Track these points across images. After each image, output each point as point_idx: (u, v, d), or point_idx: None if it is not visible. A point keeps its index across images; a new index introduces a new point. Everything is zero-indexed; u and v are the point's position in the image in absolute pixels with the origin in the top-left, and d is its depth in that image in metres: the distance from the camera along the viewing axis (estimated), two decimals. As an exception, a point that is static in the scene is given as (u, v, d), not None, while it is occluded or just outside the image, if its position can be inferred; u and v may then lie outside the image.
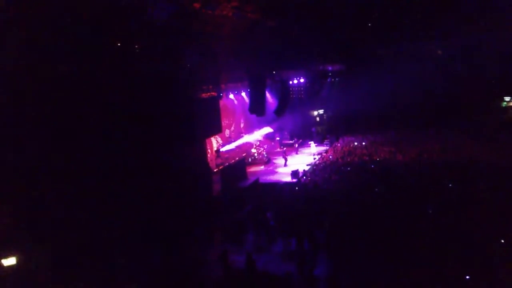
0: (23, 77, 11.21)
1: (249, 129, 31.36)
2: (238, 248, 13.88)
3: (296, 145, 30.50)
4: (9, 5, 11.00)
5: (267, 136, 32.46)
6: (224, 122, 26.54)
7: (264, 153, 28.32)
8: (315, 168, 24.26)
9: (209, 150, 23.53)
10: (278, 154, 29.93)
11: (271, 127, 32.50)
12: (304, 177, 22.50)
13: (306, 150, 30.68)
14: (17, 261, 10.68)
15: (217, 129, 21.93)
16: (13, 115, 11.06)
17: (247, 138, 29.19)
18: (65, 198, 11.92)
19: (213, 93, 21.28)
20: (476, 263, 10.60)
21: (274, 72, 28.02)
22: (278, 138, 32.58)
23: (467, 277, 10.06)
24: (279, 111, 27.42)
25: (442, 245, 11.72)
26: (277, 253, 13.57)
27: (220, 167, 23.40)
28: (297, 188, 20.56)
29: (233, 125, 29.85)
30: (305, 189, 19.67)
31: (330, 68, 35.77)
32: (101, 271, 11.40)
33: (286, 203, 18.03)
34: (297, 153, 29.70)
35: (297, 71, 32.15)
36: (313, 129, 36.13)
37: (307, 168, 24.77)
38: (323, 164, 24.75)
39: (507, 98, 35.11)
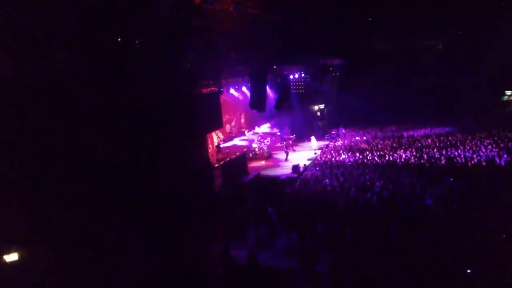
0: (21, 74, 11.16)
1: (250, 124, 31.32)
2: (240, 243, 13.90)
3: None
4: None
5: (268, 132, 32.43)
6: (225, 117, 26.50)
7: (265, 148, 28.30)
8: (316, 163, 24.26)
9: (210, 145, 23.50)
10: (279, 148, 29.95)
11: (272, 122, 32.45)
12: (305, 172, 22.50)
13: (306, 145, 30.68)
14: (19, 257, 10.71)
15: (218, 124, 21.93)
16: (13, 114, 11.03)
17: (248, 136, 29.12)
18: (65, 195, 11.91)
19: (213, 88, 21.23)
20: (478, 257, 10.61)
21: (274, 66, 27.93)
22: (279, 133, 32.55)
23: (469, 271, 10.08)
24: (280, 105, 27.37)
25: (443, 239, 11.74)
26: (279, 248, 13.58)
27: (221, 162, 23.39)
28: (298, 182, 20.58)
29: (234, 120, 29.79)
30: (306, 184, 19.67)
31: (331, 63, 35.69)
32: (102, 268, 11.42)
33: (287, 198, 18.04)
34: (293, 150, 29.50)
35: (297, 66, 32.06)
36: (316, 123, 36.13)
37: (308, 162, 24.77)
38: (324, 158, 24.75)
39: (508, 92, 35.04)
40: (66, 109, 12.12)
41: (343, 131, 34.19)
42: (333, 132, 34.44)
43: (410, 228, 12.62)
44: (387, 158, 22.02)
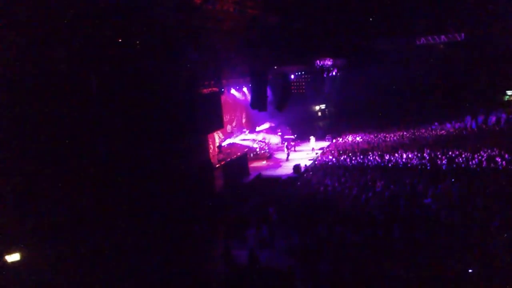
0: (22, 74, 11.19)
1: (251, 124, 31.35)
2: (241, 243, 13.91)
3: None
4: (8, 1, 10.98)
5: (269, 131, 32.46)
6: (226, 118, 26.53)
7: (266, 148, 28.32)
8: (316, 163, 24.25)
9: (211, 146, 23.52)
10: (279, 149, 29.95)
11: (272, 122, 32.47)
12: (306, 172, 22.48)
13: (306, 145, 30.67)
14: (21, 257, 10.73)
15: (219, 125, 21.95)
16: (14, 113, 11.06)
17: (250, 136, 29.16)
18: (67, 195, 11.94)
19: (214, 89, 21.24)
20: (479, 256, 10.59)
21: (275, 67, 27.95)
22: (280, 133, 32.56)
23: (470, 270, 10.06)
24: (281, 106, 27.38)
25: (444, 239, 11.72)
26: (280, 248, 13.57)
27: (222, 163, 23.41)
28: (299, 183, 20.57)
29: (235, 120, 29.82)
30: (307, 184, 19.66)
31: (331, 63, 35.64)
32: (104, 268, 11.44)
33: (288, 198, 18.04)
34: (294, 150, 29.53)
35: (298, 66, 32.05)
36: (317, 123, 36.12)
37: (309, 163, 24.76)
38: (325, 158, 24.72)
39: (509, 92, 34.91)
40: (66, 110, 12.15)
41: (344, 131, 34.04)
42: (334, 132, 34.25)
43: (411, 228, 12.60)
44: (387, 158, 21.95)
